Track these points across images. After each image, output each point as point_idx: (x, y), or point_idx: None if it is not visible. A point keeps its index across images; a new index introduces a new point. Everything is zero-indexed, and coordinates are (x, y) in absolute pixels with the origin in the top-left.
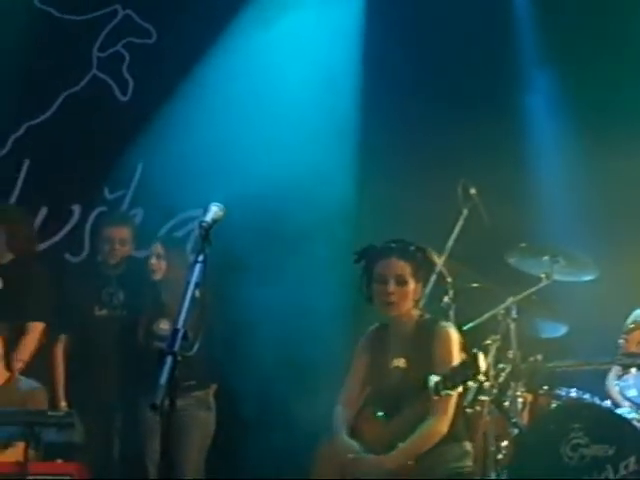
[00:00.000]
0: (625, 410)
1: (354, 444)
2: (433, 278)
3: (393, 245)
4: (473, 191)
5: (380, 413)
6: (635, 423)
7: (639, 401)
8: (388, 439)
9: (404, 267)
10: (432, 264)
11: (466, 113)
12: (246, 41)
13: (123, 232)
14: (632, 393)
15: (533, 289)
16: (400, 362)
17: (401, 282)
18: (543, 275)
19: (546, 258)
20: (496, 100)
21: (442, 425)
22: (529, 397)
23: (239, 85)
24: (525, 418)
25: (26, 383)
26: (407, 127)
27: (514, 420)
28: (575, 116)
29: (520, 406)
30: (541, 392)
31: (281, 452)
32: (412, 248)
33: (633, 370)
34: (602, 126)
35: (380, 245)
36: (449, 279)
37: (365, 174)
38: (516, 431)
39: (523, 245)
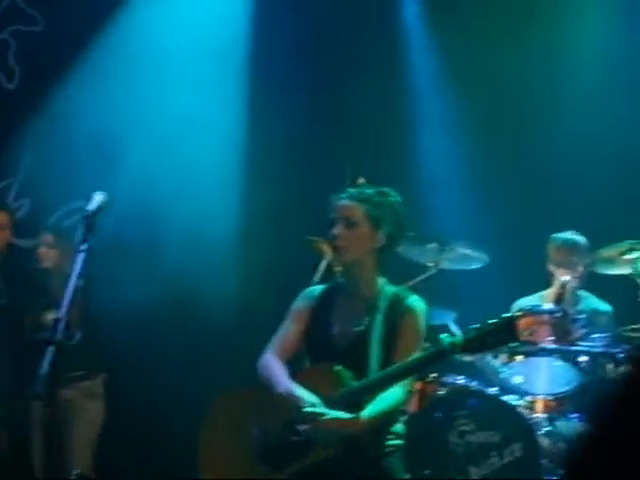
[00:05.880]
0: (511, 397)
1: (312, 396)
2: (323, 265)
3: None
4: (362, 180)
5: (338, 367)
6: (521, 410)
7: (525, 388)
8: (347, 398)
9: (354, 209)
10: (395, 209)
11: (349, 94)
12: (134, 23)
13: (1, 217)
14: (518, 380)
15: (421, 277)
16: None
17: (351, 224)
18: (431, 263)
19: (434, 246)
20: (376, 82)
21: (405, 396)
22: (417, 384)
23: (127, 72)
24: (413, 405)
25: None
26: (291, 114)
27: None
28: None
29: None
30: (429, 379)
31: (177, 439)
32: (370, 191)
33: (519, 357)
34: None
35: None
36: (339, 268)
37: (251, 164)
38: (404, 418)
39: (411, 234)
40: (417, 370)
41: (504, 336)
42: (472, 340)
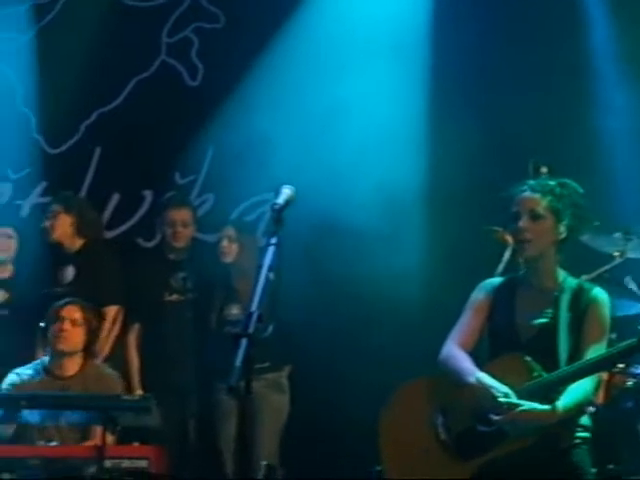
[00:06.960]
0: None
1: (504, 386)
2: (507, 256)
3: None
4: (544, 170)
5: (528, 358)
6: None
7: None
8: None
9: (538, 201)
10: (575, 201)
11: (531, 88)
12: (313, 20)
13: (184, 214)
14: None
15: (607, 267)
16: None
17: (535, 217)
18: (616, 253)
19: (619, 235)
20: (564, 74)
21: (596, 387)
22: (604, 375)
23: (307, 67)
24: (601, 397)
25: (103, 370)
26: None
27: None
28: None
29: None
30: (616, 370)
31: (359, 429)
32: (552, 182)
33: None
34: None
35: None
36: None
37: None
38: (592, 409)
39: (596, 223)
40: (615, 362)
41: None
42: None
